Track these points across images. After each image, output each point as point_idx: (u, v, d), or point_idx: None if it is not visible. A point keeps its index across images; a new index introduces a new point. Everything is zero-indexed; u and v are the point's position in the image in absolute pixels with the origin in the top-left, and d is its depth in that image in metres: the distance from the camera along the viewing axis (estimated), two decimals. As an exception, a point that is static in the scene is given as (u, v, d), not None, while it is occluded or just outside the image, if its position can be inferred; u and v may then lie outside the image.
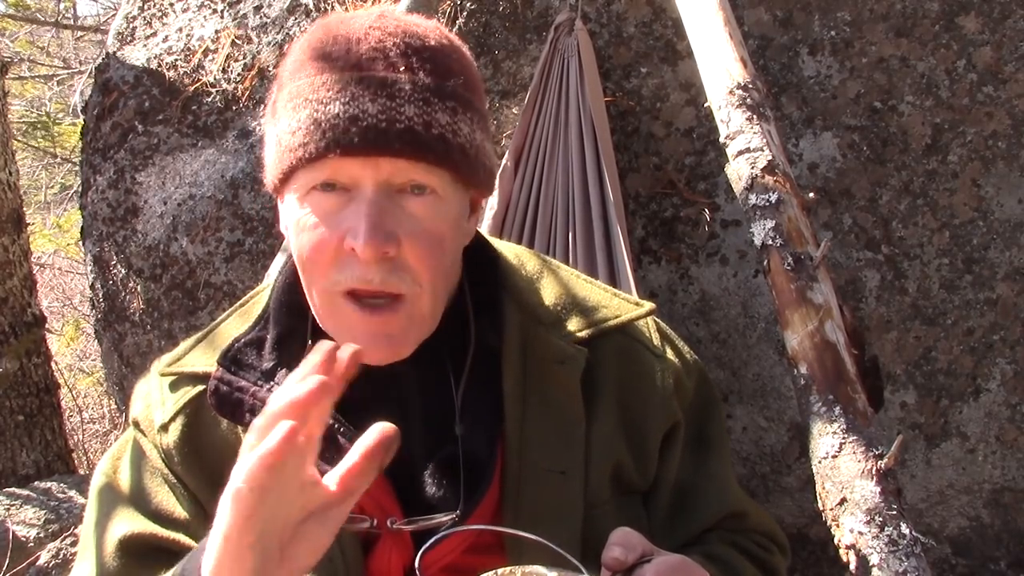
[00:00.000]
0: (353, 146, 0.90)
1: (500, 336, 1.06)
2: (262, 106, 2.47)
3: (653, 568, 0.89)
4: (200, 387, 1.07)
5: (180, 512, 1.07)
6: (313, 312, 1.02)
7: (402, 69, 0.93)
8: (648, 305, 1.16)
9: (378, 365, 0.98)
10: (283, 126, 0.95)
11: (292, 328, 1.06)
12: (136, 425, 1.12)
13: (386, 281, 0.93)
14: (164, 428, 1.07)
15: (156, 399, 1.10)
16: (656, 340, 1.15)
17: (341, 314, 0.96)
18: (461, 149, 0.95)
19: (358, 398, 1.04)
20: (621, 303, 1.15)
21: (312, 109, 0.92)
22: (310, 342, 1.03)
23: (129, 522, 1.07)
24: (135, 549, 1.06)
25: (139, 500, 1.09)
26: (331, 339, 1.03)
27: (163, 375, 1.11)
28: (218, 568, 0.80)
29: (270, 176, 1.00)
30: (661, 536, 1.03)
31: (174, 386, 1.09)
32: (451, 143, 0.94)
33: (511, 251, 1.17)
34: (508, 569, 0.85)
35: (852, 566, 1.32)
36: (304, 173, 0.94)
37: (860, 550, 1.31)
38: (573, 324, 1.10)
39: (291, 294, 1.07)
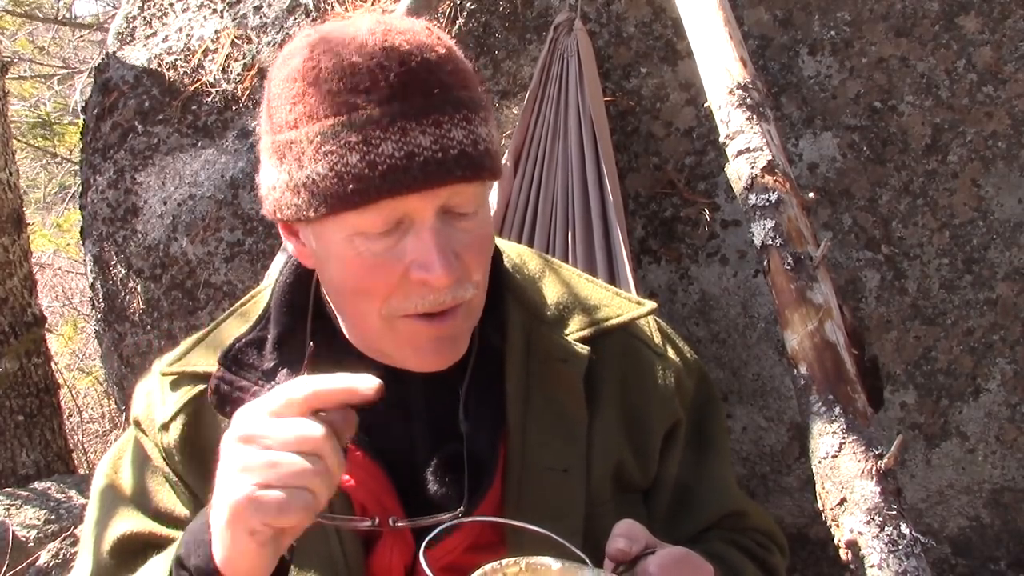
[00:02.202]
0: (414, 183, 0.89)
1: (503, 335, 1.07)
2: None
3: (656, 560, 0.91)
4: (201, 387, 1.07)
5: (181, 510, 1.07)
6: (350, 330, 1.02)
7: (437, 91, 0.90)
8: (649, 304, 1.17)
9: (437, 370, 0.99)
10: (320, 168, 0.90)
11: (293, 328, 1.06)
12: (137, 424, 1.12)
13: (455, 296, 0.94)
14: (165, 427, 1.07)
15: (157, 398, 1.10)
16: (657, 339, 1.16)
17: (402, 331, 0.96)
18: (496, 154, 0.96)
19: None
20: (623, 302, 1.16)
21: (361, 152, 0.88)
22: (311, 343, 1.03)
23: (129, 521, 1.08)
24: (135, 547, 1.06)
25: (140, 499, 1.09)
26: (327, 343, 1.04)
27: (164, 375, 1.11)
28: (234, 561, 0.82)
29: (292, 213, 0.94)
30: (662, 535, 1.04)
31: (175, 385, 1.10)
32: (492, 153, 0.94)
33: (513, 250, 1.18)
34: (512, 560, 0.85)
35: (852, 566, 1.32)
36: (353, 215, 0.91)
37: (860, 550, 1.31)
38: (575, 323, 1.11)
39: (292, 294, 1.08)
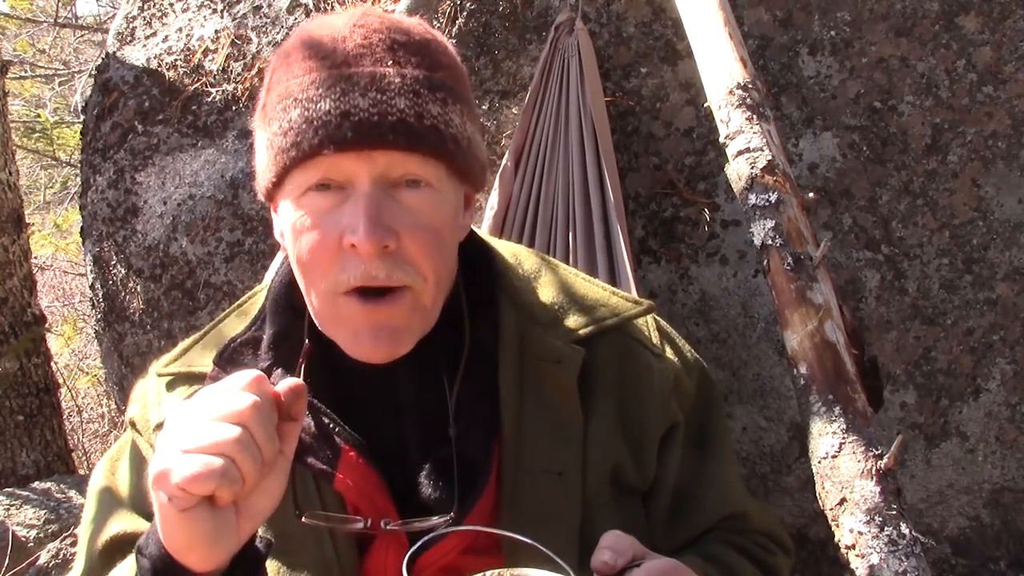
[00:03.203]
0: (346, 141, 0.91)
1: (496, 336, 1.06)
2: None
3: (643, 572, 0.89)
4: (197, 387, 1.07)
5: None
6: (312, 316, 1.02)
7: (389, 63, 0.93)
8: (647, 303, 1.16)
9: (377, 363, 0.98)
10: (274, 128, 0.95)
11: (288, 327, 1.06)
12: (133, 425, 1.12)
13: (391, 275, 0.94)
14: (160, 427, 1.07)
15: (153, 399, 1.11)
16: (655, 339, 1.15)
17: (343, 312, 0.96)
18: (454, 139, 0.95)
19: (354, 400, 1.04)
20: (620, 301, 1.15)
21: (303, 108, 0.92)
22: (307, 341, 1.03)
23: (125, 522, 1.08)
24: (124, 546, 1.06)
25: (136, 500, 1.09)
26: (324, 343, 1.04)
27: (160, 375, 1.11)
28: (170, 534, 0.83)
29: (263, 181, 1.00)
30: (661, 538, 1.03)
31: (171, 386, 1.10)
32: (444, 133, 0.94)
33: (508, 250, 1.17)
34: (496, 572, 0.85)
35: (852, 566, 1.32)
36: (298, 174, 0.94)
37: (860, 550, 1.31)
38: (571, 323, 1.09)
39: (287, 294, 1.07)
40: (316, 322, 1.01)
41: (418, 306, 0.98)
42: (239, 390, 0.82)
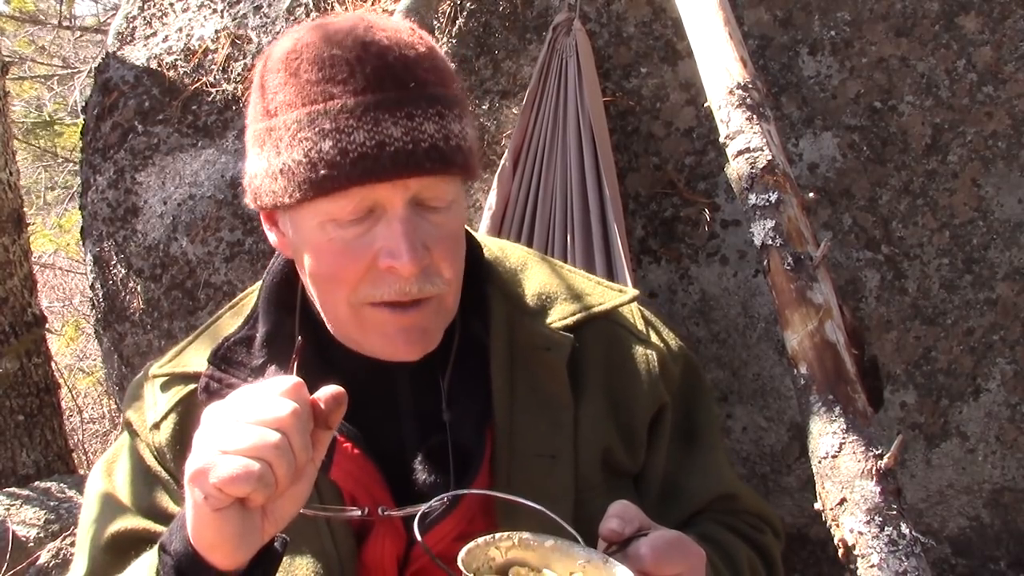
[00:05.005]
0: (384, 171, 0.91)
1: (487, 328, 1.08)
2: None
3: (649, 542, 0.91)
4: (191, 386, 1.09)
5: (174, 508, 1.08)
6: (329, 324, 1.03)
7: (412, 85, 0.93)
8: (631, 292, 1.19)
9: (408, 360, 1.00)
10: (296, 156, 0.93)
11: (280, 325, 1.07)
12: (128, 426, 1.13)
13: (422, 289, 0.96)
14: (156, 427, 1.09)
15: (149, 400, 1.12)
16: (640, 325, 1.17)
17: (370, 320, 0.98)
18: (470, 152, 0.98)
19: (349, 392, 1.05)
20: (605, 291, 1.18)
21: (334, 140, 0.91)
22: (299, 338, 1.03)
23: (126, 520, 1.09)
24: (129, 543, 1.07)
25: (133, 499, 1.10)
26: (316, 338, 1.04)
27: (155, 376, 1.13)
28: (199, 531, 0.83)
29: (273, 199, 0.97)
30: (653, 520, 1.04)
31: (166, 386, 1.11)
32: (464, 150, 0.97)
33: (495, 244, 1.20)
34: (505, 534, 0.86)
35: (852, 566, 1.32)
36: (327, 202, 0.93)
37: (860, 550, 1.31)
38: (558, 312, 1.12)
39: (280, 292, 1.09)
40: (333, 330, 1.03)
41: (443, 309, 1.01)
42: (279, 395, 0.82)
